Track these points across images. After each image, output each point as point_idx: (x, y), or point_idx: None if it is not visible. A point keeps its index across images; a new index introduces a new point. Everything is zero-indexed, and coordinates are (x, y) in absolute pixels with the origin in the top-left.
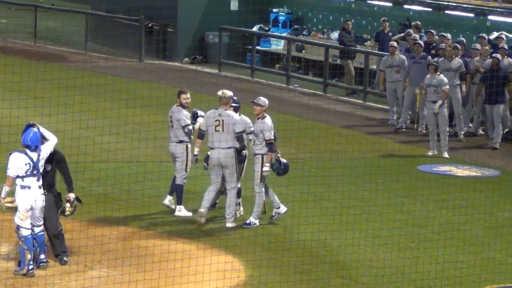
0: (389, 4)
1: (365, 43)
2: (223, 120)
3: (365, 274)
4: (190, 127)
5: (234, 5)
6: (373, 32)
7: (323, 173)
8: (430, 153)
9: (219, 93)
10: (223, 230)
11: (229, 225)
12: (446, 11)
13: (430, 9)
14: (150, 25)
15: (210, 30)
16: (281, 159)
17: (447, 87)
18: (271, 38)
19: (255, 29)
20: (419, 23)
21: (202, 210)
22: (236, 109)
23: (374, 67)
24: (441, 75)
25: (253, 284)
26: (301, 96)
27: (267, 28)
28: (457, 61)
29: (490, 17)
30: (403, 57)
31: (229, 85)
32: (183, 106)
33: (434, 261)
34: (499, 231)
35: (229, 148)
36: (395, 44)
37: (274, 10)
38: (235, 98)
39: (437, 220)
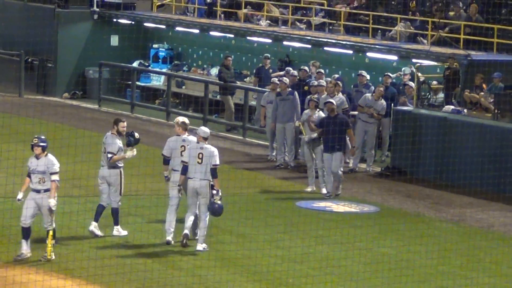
0: (269, 41)
1: (244, 79)
2: (188, 145)
3: None
4: (109, 156)
5: (114, 41)
6: (253, 68)
7: None
8: (309, 189)
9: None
10: (100, 266)
11: (199, 248)
12: (325, 48)
13: (309, 46)
14: (30, 60)
15: (90, 65)
16: (216, 201)
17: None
18: (151, 74)
19: (135, 64)
20: (317, 63)
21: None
22: (43, 148)
23: (254, 103)
24: (321, 112)
25: None
26: None
27: (147, 64)
28: (339, 98)
29: (369, 54)
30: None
31: (109, 120)
32: (119, 133)
33: None
34: (376, 267)
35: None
36: (276, 80)
37: (154, 46)
38: (42, 137)
39: (315, 256)
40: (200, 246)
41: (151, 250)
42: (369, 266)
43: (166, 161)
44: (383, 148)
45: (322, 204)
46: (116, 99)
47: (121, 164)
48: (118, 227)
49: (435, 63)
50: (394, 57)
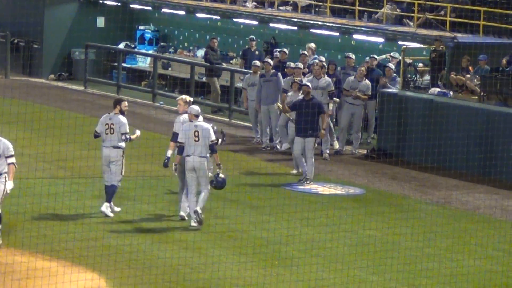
0: (255, 23)
1: (231, 61)
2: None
3: None
4: (128, 136)
5: (100, 22)
6: (239, 50)
7: None
8: (294, 171)
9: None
10: (86, 247)
11: (193, 224)
12: (312, 30)
13: (296, 28)
14: (16, 41)
15: (76, 46)
16: (220, 174)
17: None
18: (137, 55)
19: (121, 46)
20: (313, 45)
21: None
22: None
23: (240, 85)
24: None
25: None
26: (167, 113)
27: (133, 45)
28: (325, 80)
29: (355, 36)
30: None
31: (95, 102)
32: (122, 113)
33: (298, 279)
34: (362, 249)
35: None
36: (258, 63)
37: (140, 27)
38: None
39: (301, 238)
40: (194, 223)
41: (136, 231)
42: (354, 248)
43: (175, 138)
44: (369, 130)
45: (307, 186)
46: (102, 80)
47: (124, 145)
48: (108, 204)
49: (422, 46)
50: (381, 39)
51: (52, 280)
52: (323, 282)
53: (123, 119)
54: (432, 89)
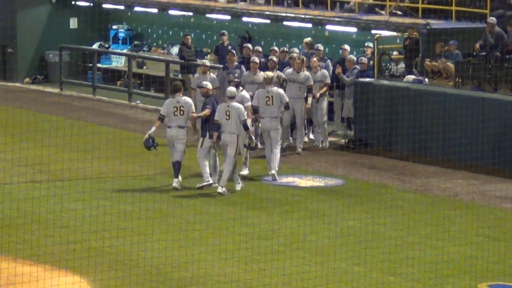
0: (228, 17)
1: (205, 57)
2: (272, 96)
3: None
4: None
5: (73, 23)
6: (213, 46)
7: (168, 189)
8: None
9: (264, 75)
10: (67, 251)
11: (220, 190)
12: (285, 22)
13: (269, 21)
14: None
15: (50, 49)
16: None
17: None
18: (112, 55)
19: (95, 46)
20: (310, 39)
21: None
22: None
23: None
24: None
25: None
26: (144, 112)
27: (107, 45)
28: (304, 74)
29: (328, 27)
30: (214, 76)
31: (71, 104)
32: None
33: (281, 273)
34: (344, 240)
35: (276, 118)
36: (207, 63)
37: (114, 27)
38: None
39: (282, 232)
40: (220, 189)
41: (117, 232)
42: (335, 240)
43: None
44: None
45: (287, 179)
46: (77, 82)
47: (186, 124)
48: (177, 180)
49: (395, 34)
50: (354, 29)
51: (35, 285)
52: (305, 275)
53: (189, 100)
54: (407, 76)
